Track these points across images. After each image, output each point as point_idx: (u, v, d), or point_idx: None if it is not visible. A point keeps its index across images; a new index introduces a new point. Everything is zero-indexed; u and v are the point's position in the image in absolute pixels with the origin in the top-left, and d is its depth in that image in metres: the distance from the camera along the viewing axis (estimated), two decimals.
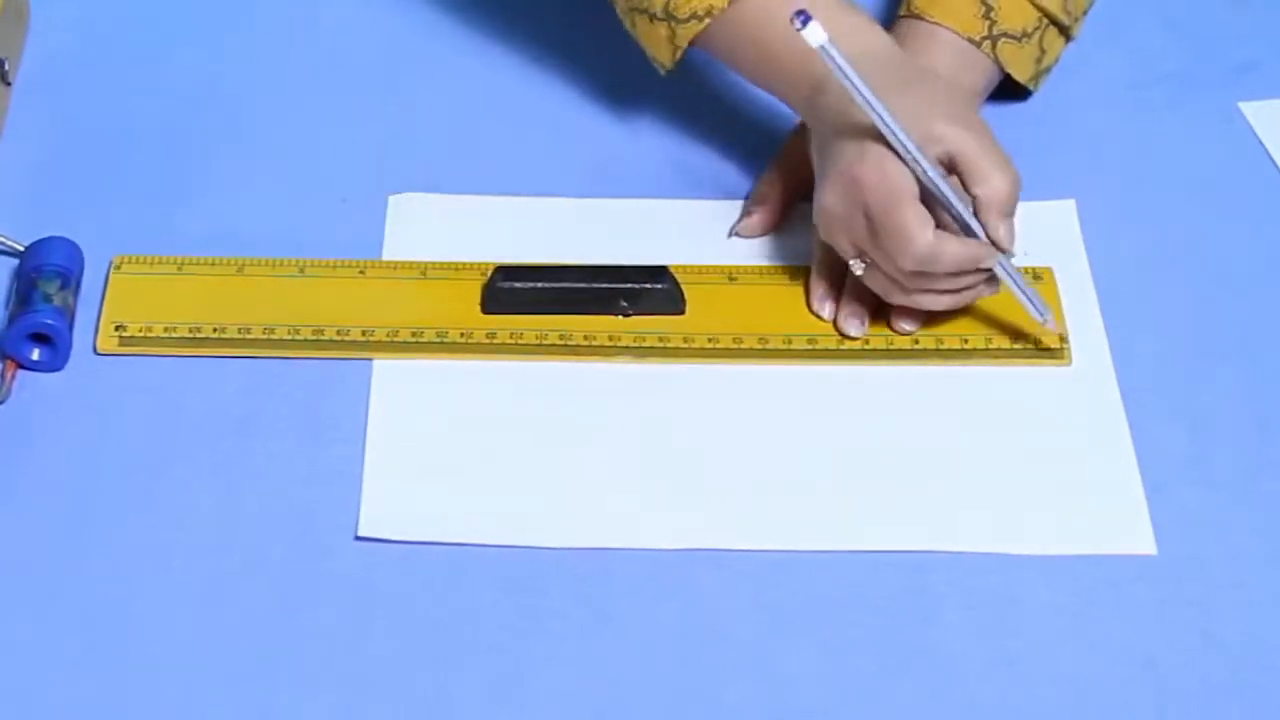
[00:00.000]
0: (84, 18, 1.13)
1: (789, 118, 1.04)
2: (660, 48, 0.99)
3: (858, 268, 0.92)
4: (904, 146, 0.88)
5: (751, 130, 1.06)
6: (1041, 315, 0.93)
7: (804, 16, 0.85)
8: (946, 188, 0.89)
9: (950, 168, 0.90)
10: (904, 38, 1.03)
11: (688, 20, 0.96)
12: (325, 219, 1.02)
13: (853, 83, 0.87)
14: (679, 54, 0.98)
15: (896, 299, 0.93)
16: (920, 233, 0.88)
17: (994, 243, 0.90)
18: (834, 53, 0.86)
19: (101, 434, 0.91)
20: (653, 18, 0.98)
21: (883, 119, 0.88)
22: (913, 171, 0.89)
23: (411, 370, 0.94)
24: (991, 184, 0.90)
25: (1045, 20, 1.02)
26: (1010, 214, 0.91)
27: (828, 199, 0.91)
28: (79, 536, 0.87)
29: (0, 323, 0.95)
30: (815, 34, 0.85)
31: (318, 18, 1.13)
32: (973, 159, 0.90)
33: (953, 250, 0.89)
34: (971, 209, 0.90)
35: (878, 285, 0.93)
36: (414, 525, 0.87)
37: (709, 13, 0.96)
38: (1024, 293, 0.93)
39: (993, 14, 1.01)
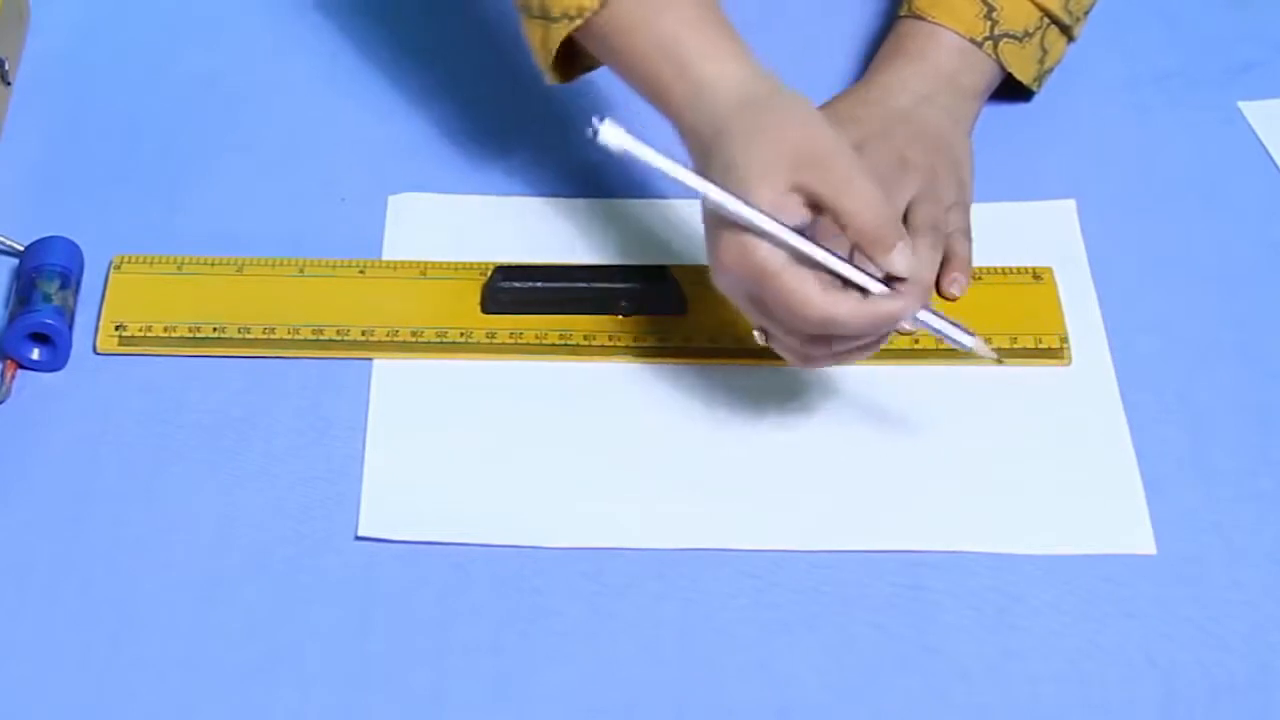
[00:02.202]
0: (84, 18, 1.13)
1: None
2: (538, 52, 0.94)
3: (761, 340, 0.86)
4: (751, 224, 0.81)
5: None
6: (969, 344, 0.87)
7: (596, 121, 0.78)
8: (815, 250, 0.82)
9: (816, 209, 0.83)
10: (904, 38, 1.03)
11: (558, 20, 0.91)
12: (325, 219, 1.02)
13: (678, 176, 0.81)
14: (551, 57, 0.93)
15: (817, 365, 0.87)
16: (805, 301, 0.81)
17: (891, 278, 0.83)
18: (642, 153, 0.80)
19: (101, 434, 0.91)
20: (529, 15, 0.92)
21: (723, 204, 0.81)
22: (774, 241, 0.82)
23: (411, 370, 0.94)
24: (854, 218, 0.81)
25: (1047, 20, 1.02)
26: (885, 240, 0.82)
27: (719, 282, 0.85)
28: (79, 536, 0.87)
29: (0, 322, 0.95)
30: (613, 136, 0.79)
31: (318, 18, 1.13)
32: (832, 197, 0.82)
33: (848, 308, 0.82)
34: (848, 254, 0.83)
35: (789, 355, 0.86)
36: (414, 525, 0.87)
37: (580, 12, 0.90)
38: (949, 328, 0.86)
39: (994, 14, 1.01)
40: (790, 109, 0.85)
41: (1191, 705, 0.82)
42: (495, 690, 0.82)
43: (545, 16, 0.92)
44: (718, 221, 0.84)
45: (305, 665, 0.83)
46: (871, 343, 0.85)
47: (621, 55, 0.90)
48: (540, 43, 0.93)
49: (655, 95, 0.89)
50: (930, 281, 0.92)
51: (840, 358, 0.86)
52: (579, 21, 0.91)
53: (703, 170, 0.84)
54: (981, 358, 0.87)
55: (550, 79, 0.96)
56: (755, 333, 0.87)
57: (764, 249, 0.82)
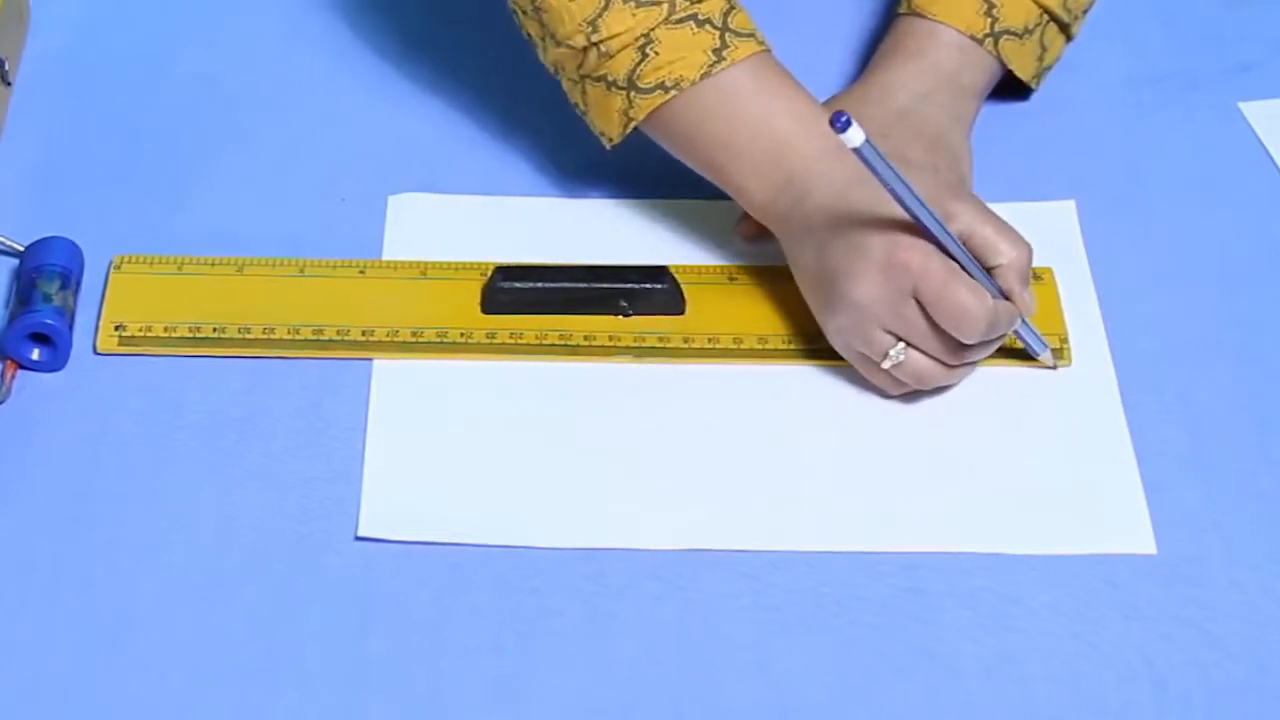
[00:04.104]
0: (84, 18, 1.13)
1: None
2: (610, 119, 0.95)
3: (898, 357, 0.89)
4: (940, 231, 0.86)
5: None
6: (1041, 351, 0.94)
7: (844, 119, 0.80)
8: (973, 264, 0.88)
9: (963, 243, 0.88)
10: (904, 36, 1.03)
11: (652, 91, 0.93)
12: (325, 219, 1.02)
13: (891, 178, 0.84)
14: (629, 127, 0.94)
15: (934, 382, 0.91)
16: (982, 305, 0.87)
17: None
18: (874, 151, 0.82)
19: (101, 434, 0.91)
20: (611, 85, 0.93)
21: (921, 207, 0.85)
22: (944, 250, 0.87)
23: (411, 370, 0.94)
24: (1011, 254, 0.89)
25: (1046, 17, 1.02)
26: (1028, 281, 0.90)
27: (864, 293, 0.88)
28: (79, 536, 0.87)
29: (0, 323, 0.95)
30: (854, 135, 0.81)
31: (318, 18, 1.13)
32: (988, 233, 0.89)
33: (1006, 310, 0.88)
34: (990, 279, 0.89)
35: (913, 372, 0.90)
36: (414, 525, 0.87)
37: (677, 84, 0.92)
38: (1033, 338, 0.93)
39: (994, 10, 1.01)
40: (923, 157, 0.94)
41: (1191, 705, 0.82)
42: (495, 690, 0.82)
43: (634, 87, 0.93)
44: (881, 222, 0.87)
45: (305, 665, 0.83)
46: (989, 344, 0.90)
47: (718, 130, 0.93)
48: (620, 112, 0.94)
49: (751, 172, 0.93)
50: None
51: (959, 370, 0.91)
52: (674, 93, 0.92)
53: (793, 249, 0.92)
54: (1043, 363, 0.94)
55: (611, 145, 0.97)
56: (893, 352, 0.89)
57: (940, 254, 0.87)
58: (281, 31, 1.12)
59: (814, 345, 0.95)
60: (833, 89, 1.06)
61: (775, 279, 0.98)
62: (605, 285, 0.96)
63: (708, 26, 0.92)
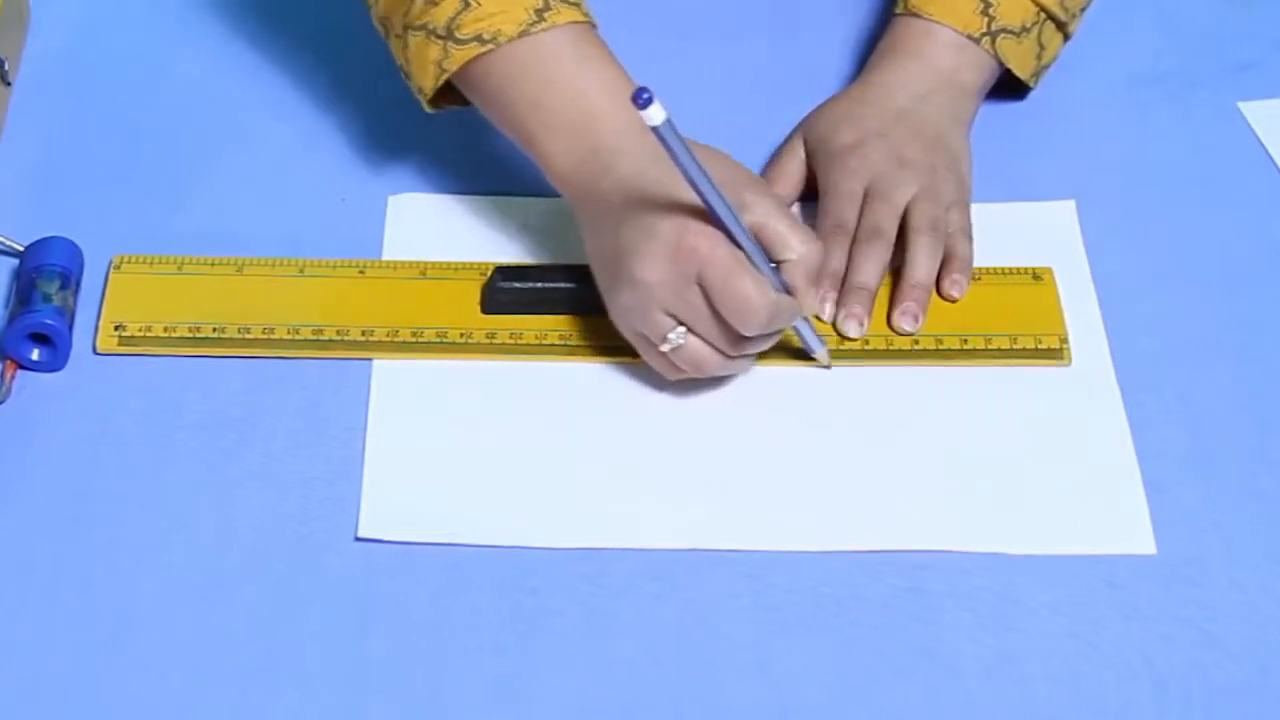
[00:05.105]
0: (84, 18, 1.13)
1: (789, 119, 1.04)
2: (426, 70, 0.93)
3: (677, 341, 0.88)
4: (731, 219, 0.85)
5: (749, 133, 1.05)
6: (818, 350, 0.93)
7: (645, 95, 0.79)
8: (761, 257, 0.87)
9: (754, 235, 0.87)
10: (901, 36, 1.03)
11: (468, 42, 0.91)
12: (325, 219, 1.02)
13: (687, 161, 0.83)
14: (441, 79, 0.93)
15: (710, 370, 0.90)
16: (764, 297, 0.86)
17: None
18: (672, 132, 0.81)
19: (101, 434, 0.91)
20: (431, 34, 0.92)
21: (714, 193, 0.84)
22: (734, 240, 0.86)
23: (411, 370, 0.94)
24: (801, 250, 0.88)
25: (1043, 15, 1.02)
26: (814, 280, 0.90)
27: (650, 273, 0.87)
28: (79, 536, 0.87)
29: (0, 323, 0.95)
30: (655, 113, 0.79)
31: (318, 17, 1.13)
32: (781, 228, 0.88)
33: (786, 305, 0.88)
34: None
35: (690, 359, 0.89)
36: (414, 526, 0.87)
37: (494, 38, 0.91)
38: (811, 336, 0.93)
39: (991, 9, 1.01)
40: (712, 148, 0.90)
41: (1190, 706, 0.82)
42: (494, 691, 0.82)
43: (451, 36, 0.92)
44: (675, 206, 0.86)
45: (305, 666, 0.83)
46: (769, 336, 0.90)
47: (531, 91, 0.92)
48: (435, 64, 0.93)
49: (557, 137, 0.92)
50: (926, 281, 0.96)
51: (739, 361, 0.90)
52: (491, 47, 0.91)
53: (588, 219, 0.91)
54: (819, 362, 0.94)
55: (428, 104, 0.96)
56: (672, 335, 0.88)
57: (728, 242, 0.86)
58: (282, 31, 1.12)
59: None
60: (831, 89, 1.06)
61: None
62: None
63: None
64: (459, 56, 0.92)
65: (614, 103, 0.91)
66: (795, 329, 0.92)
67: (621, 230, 0.88)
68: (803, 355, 0.94)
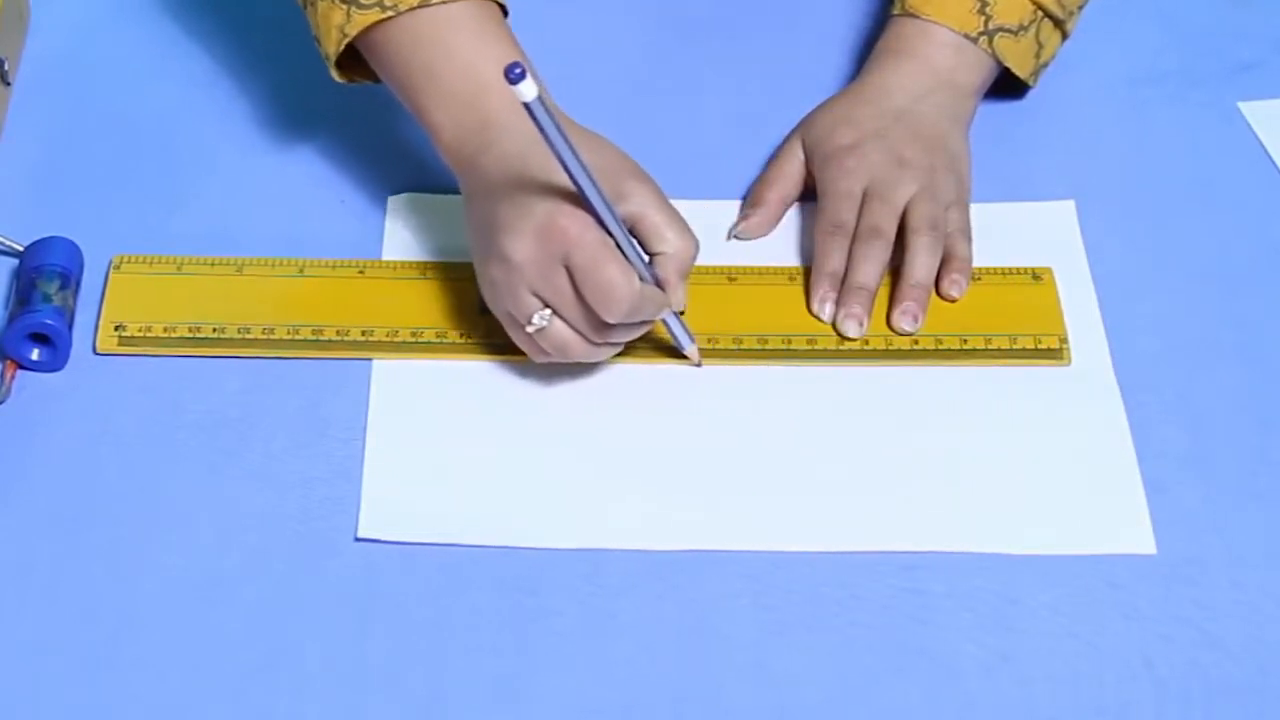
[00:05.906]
0: (84, 18, 1.13)
1: (787, 120, 1.04)
2: (330, 35, 0.94)
3: (542, 323, 0.88)
4: (602, 205, 0.85)
5: (749, 131, 1.05)
6: (688, 346, 0.93)
7: (518, 69, 0.78)
8: (631, 246, 0.87)
9: (630, 225, 0.88)
10: (898, 37, 1.03)
11: (370, 8, 0.91)
12: (325, 219, 1.02)
13: (558, 141, 0.83)
14: (343, 44, 0.93)
15: (575, 355, 0.90)
16: (629, 285, 0.85)
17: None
18: (543, 110, 0.81)
19: (101, 434, 0.91)
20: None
21: (585, 177, 0.84)
22: (605, 227, 0.86)
23: (411, 370, 0.94)
24: (676, 244, 0.89)
25: (1040, 13, 1.02)
26: (687, 275, 0.90)
27: (518, 251, 0.87)
28: (79, 536, 0.87)
29: (0, 323, 0.95)
30: (527, 89, 0.79)
31: None
32: (658, 220, 0.88)
33: (652, 296, 0.88)
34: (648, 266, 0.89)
35: (555, 341, 0.89)
36: (414, 526, 0.87)
37: (395, 5, 0.91)
38: (681, 332, 0.92)
39: (988, 8, 1.01)
40: (599, 136, 0.91)
41: (1190, 706, 0.82)
42: (494, 691, 0.82)
43: (354, 2, 0.92)
44: (551, 187, 0.86)
45: (304, 666, 0.83)
46: (635, 326, 0.89)
47: (424, 61, 0.92)
48: (338, 28, 0.93)
49: (447, 110, 0.92)
50: (925, 280, 0.95)
51: (604, 349, 0.90)
52: (391, 14, 0.91)
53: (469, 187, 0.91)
54: (689, 360, 0.94)
55: (333, 69, 0.96)
56: (537, 316, 0.88)
57: (599, 228, 0.86)
58: (281, 31, 1.12)
59: (813, 346, 0.95)
60: (830, 90, 1.06)
61: (775, 279, 0.98)
62: None
63: None
64: (360, 21, 0.92)
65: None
66: (665, 323, 0.91)
67: (498, 207, 0.88)
68: (675, 353, 0.94)
